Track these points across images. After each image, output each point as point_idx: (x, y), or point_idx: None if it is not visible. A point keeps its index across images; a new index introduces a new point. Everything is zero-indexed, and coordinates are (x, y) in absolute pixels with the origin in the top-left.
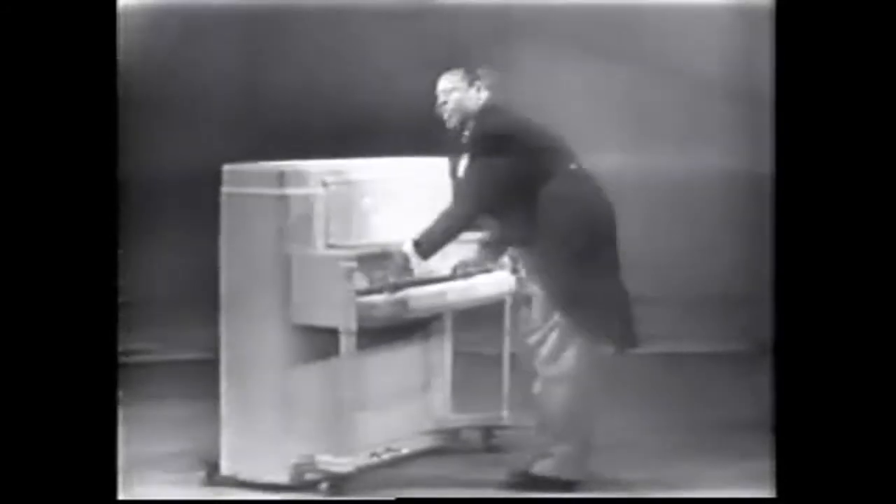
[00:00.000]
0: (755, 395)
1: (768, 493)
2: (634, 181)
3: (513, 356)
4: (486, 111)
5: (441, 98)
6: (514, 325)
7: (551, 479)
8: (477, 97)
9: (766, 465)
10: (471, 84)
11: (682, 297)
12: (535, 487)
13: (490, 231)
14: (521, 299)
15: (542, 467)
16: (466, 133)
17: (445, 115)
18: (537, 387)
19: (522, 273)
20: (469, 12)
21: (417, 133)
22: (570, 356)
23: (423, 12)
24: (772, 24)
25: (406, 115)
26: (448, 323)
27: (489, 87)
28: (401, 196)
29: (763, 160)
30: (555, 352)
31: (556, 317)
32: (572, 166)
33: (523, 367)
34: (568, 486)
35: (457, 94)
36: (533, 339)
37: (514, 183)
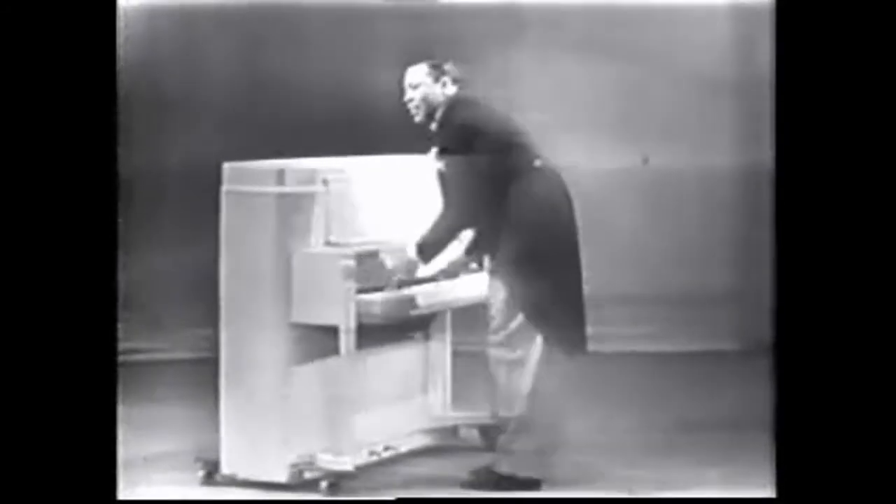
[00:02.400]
0: (755, 394)
1: (768, 493)
2: (634, 179)
3: (479, 355)
4: (453, 104)
5: (407, 93)
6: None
7: (508, 477)
8: (443, 92)
9: (766, 465)
10: (436, 79)
11: (681, 296)
12: (496, 486)
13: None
14: (485, 298)
15: (503, 465)
16: (434, 126)
17: (412, 110)
18: (501, 383)
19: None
20: (470, 12)
21: (417, 131)
22: (533, 355)
23: (423, 11)
24: (772, 23)
25: (406, 113)
26: (447, 321)
27: (456, 81)
28: (401, 194)
29: (763, 158)
30: (517, 350)
31: (520, 318)
32: (537, 163)
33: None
34: (529, 484)
35: (422, 88)
36: (495, 338)
37: (484, 180)
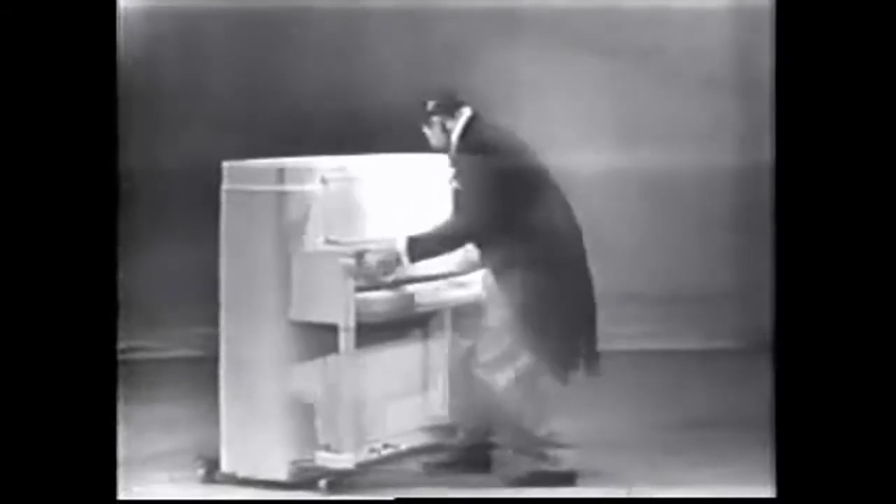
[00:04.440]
0: (755, 393)
1: (768, 493)
2: (635, 179)
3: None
4: (472, 123)
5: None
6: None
7: (560, 473)
8: (453, 122)
9: (766, 465)
10: (452, 115)
11: (681, 295)
12: (544, 483)
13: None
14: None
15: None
16: (454, 141)
17: (433, 140)
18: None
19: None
20: (468, 13)
21: (417, 130)
22: (522, 370)
23: (423, 12)
24: (772, 25)
25: (406, 113)
26: (447, 320)
27: (459, 105)
28: (400, 193)
29: (763, 158)
30: (506, 371)
31: (511, 339)
32: (551, 189)
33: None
34: (569, 477)
35: (437, 128)
36: (485, 358)
37: (499, 197)
